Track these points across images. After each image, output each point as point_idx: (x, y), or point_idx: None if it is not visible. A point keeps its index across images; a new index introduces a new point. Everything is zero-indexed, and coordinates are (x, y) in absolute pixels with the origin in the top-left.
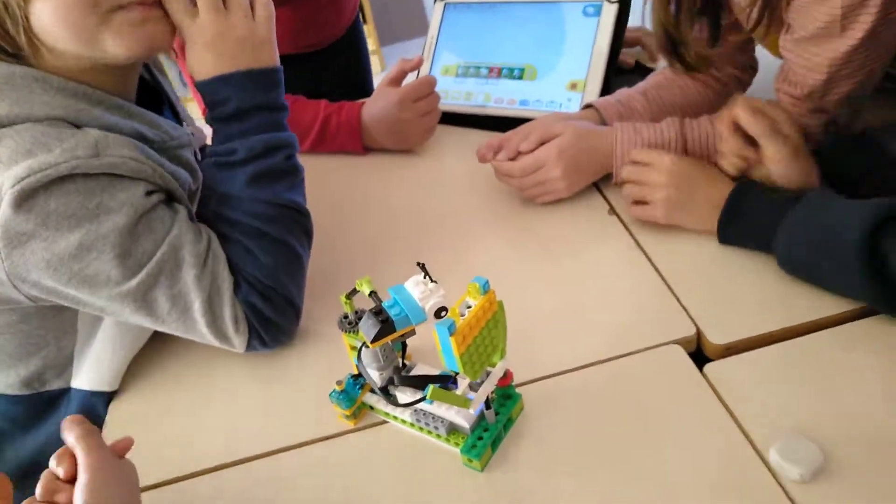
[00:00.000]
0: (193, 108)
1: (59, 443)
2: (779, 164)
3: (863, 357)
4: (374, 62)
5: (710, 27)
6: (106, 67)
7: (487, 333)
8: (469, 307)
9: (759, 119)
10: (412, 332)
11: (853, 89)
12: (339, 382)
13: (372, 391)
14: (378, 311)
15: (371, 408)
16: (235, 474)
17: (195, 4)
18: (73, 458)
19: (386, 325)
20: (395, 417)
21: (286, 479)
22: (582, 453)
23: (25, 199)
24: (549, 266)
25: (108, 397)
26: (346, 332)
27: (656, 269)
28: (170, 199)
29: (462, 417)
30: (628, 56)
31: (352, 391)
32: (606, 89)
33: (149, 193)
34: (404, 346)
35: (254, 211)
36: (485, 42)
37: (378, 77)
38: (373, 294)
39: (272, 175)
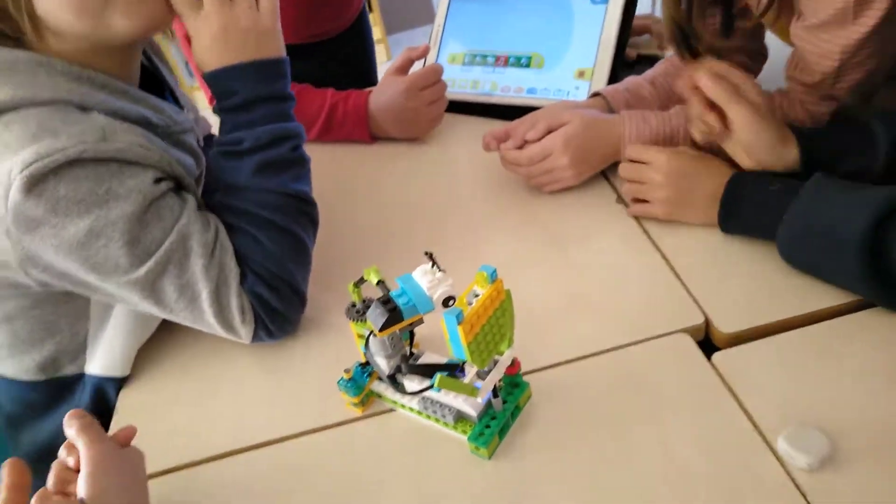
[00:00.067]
0: (200, 98)
1: None
2: (743, 130)
3: (871, 346)
4: (380, 51)
5: (723, 17)
6: (107, 51)
7: (495, 322)
8: (477, 296)
9: (719, 84)
10: (420, 321)
11: (865, 77)
12: (347, 370)
13: (380, 379)
14: (386, 300)
15: (379, 396)
16: (242, 462)
17: None
18: None
19: (394, 314)
20: (403, 405)
21: (293, 467)
22: (589, 442)
23: (35, 184)
24: (556, 254)
25: (119, 383)
26: (354, 320)
27: (664, 258)
28: (178, 187)
29: (469, 406)
30: (632, 48)
31: (360, 379)
32: (614, 77)
33: (158, 181)
34: (412, 334)
35: (261, 200)
36: (492, 30)
37: (383, 66)
38: (381, 283)
39: (279, 165)
